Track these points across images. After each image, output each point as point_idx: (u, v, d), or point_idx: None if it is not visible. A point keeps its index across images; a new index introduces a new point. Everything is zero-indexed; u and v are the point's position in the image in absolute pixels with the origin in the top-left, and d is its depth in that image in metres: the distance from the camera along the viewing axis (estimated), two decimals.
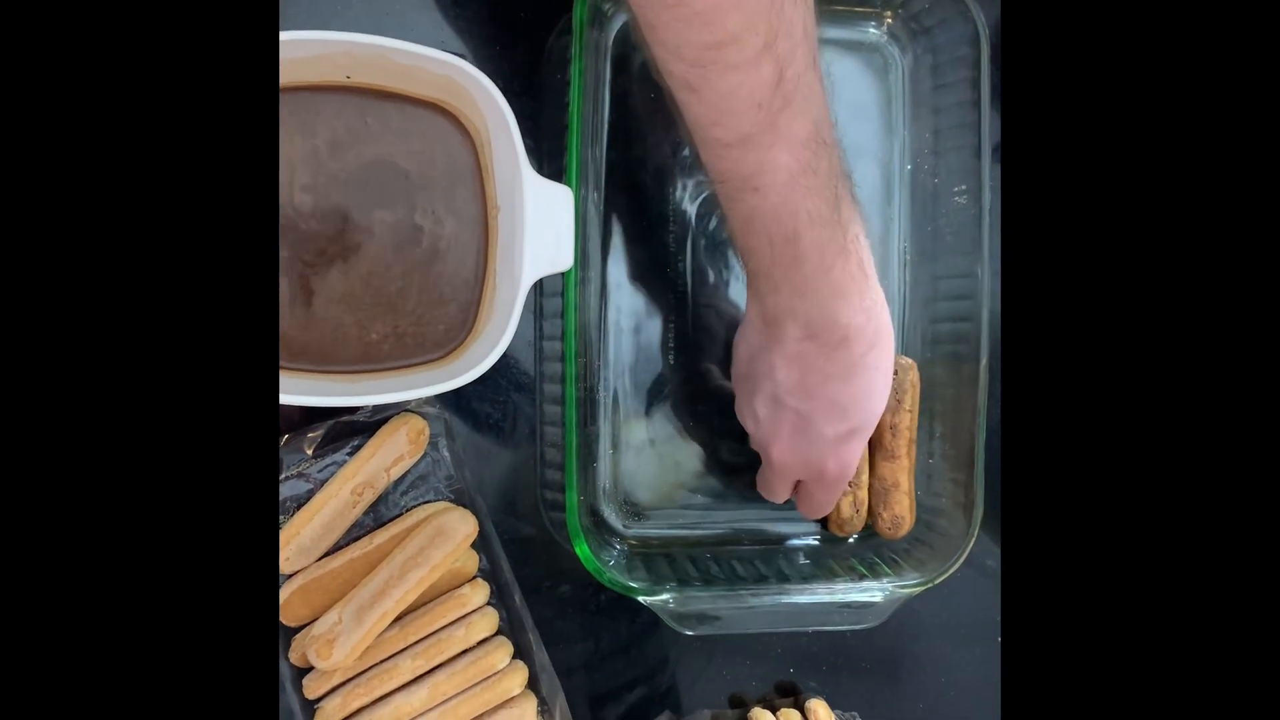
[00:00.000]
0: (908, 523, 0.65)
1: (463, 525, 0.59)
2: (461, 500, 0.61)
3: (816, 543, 0.67)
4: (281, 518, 0.58)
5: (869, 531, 0.67)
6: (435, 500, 0.61)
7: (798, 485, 0.63)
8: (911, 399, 0.64)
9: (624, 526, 0.65)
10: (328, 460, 0.59)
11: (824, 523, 0.67)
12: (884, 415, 0.64)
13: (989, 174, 0.63)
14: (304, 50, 0.53)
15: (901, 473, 0.65)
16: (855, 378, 0.56)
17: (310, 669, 0.59)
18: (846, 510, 0.65)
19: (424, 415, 0.60)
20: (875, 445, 0.65)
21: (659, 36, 0.46)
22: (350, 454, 0.59)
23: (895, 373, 0.65)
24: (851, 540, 0.67)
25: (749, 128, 0.48)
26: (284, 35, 0.51)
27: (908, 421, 0.65)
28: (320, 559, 0.59)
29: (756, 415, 0.59)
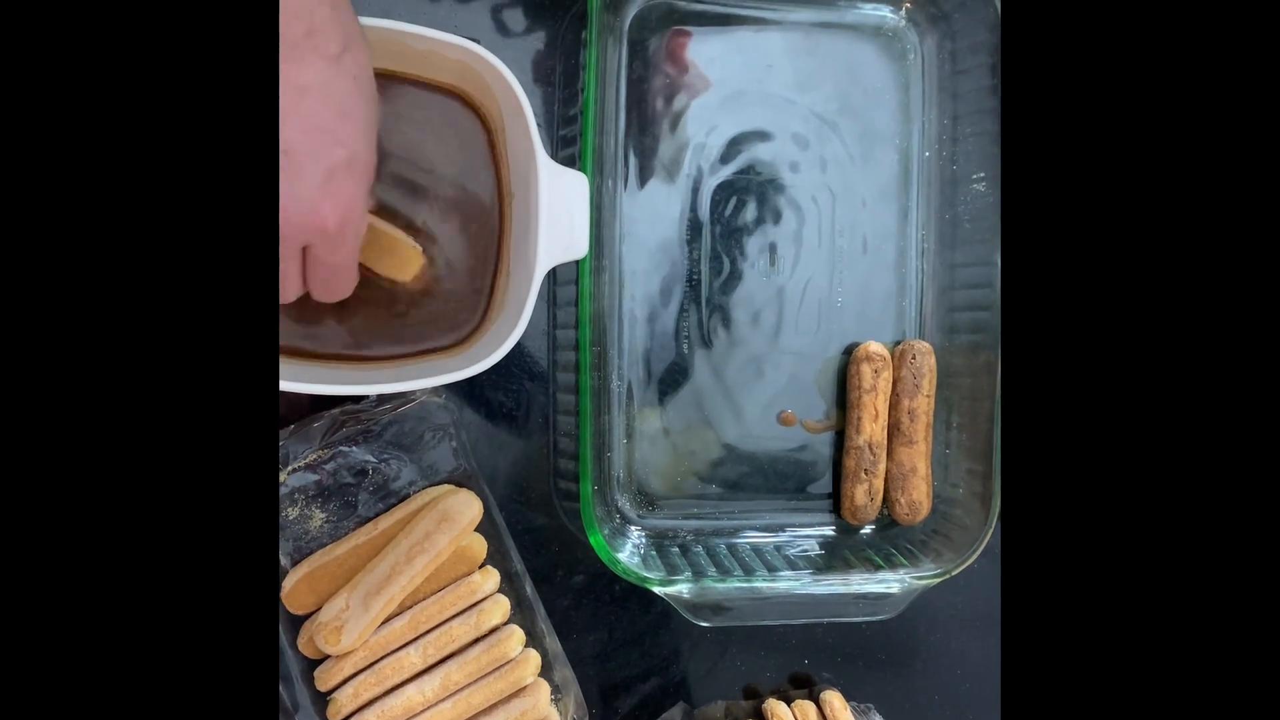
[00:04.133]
0: (925, 508, 0.65)
1: (468, 508, 0.58)
2: (467, 486, 0.61)
3: (832, 533, 0.67)
4: (290, 510, 0.58)
5: (885, 522, 0.66)
6: (439, 483, 0.61)
7: (306, 270, 0.49)
8: (929, 384, 0.64)
9: (638, 516, 0.64)
10: (335, 451, 0.58)
11: (839, 512, 0.66)
12: (901, 400, 0.64)
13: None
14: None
15: (919, 458, 0.64)
16: (336, 92, 0.44)
17: (320, 661, 0.58)
18: (862, 498, 0.64)
19: (432, 404, 0.60)
20: (893, 430, 0.65)
21: None
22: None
23: (914, 357, 0.64)
24: (867, 531, 0.67)
25: None
26: None
27: (925, 406, 0.64)
28: (326, 546, 0.59)
29: None
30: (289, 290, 0.49)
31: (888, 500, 0.65)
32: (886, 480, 0.65)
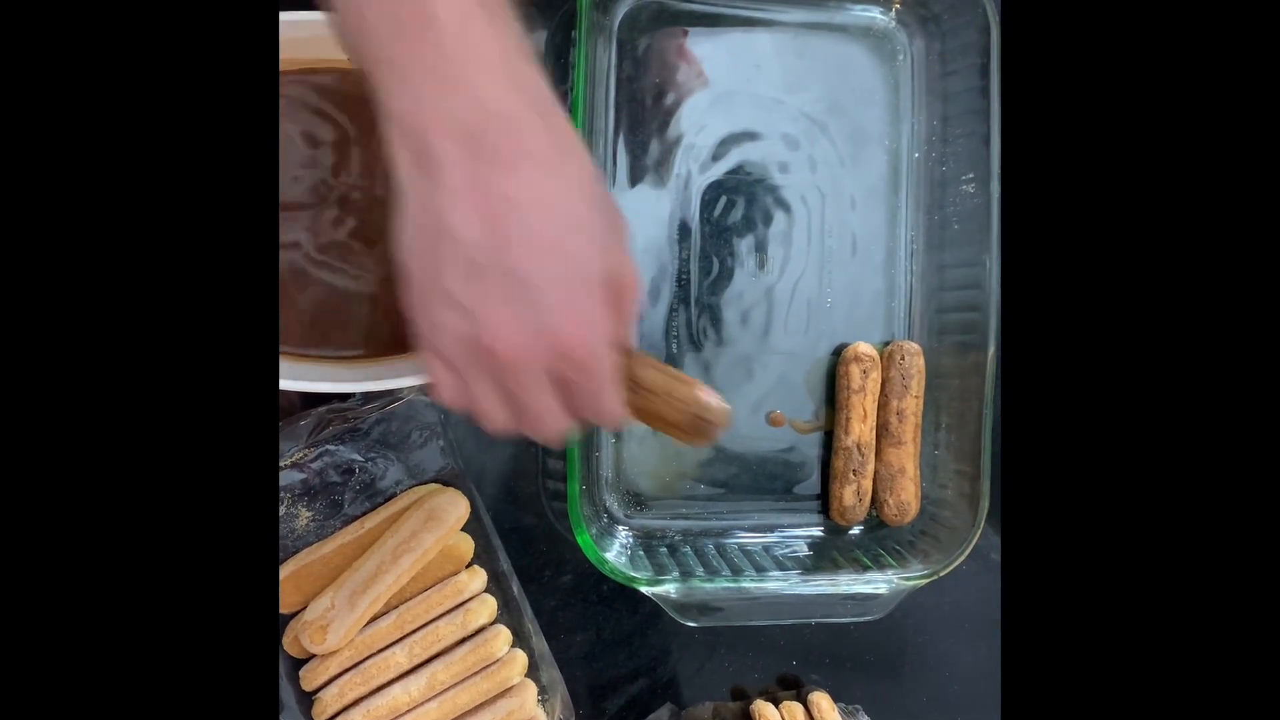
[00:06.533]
0: (913, 509, 0.65)
1: (455, 507, 0.58)
2: (454, 486, 0.60)
3: (820, 534, 0.67)
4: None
5: (874, 523, 0.66)
6: (426, 482, 0.60)
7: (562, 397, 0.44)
8: (918, 384, 0.64)
9: (626, 516, 0.64)
10: (321, 449, 0.58)
11: (827, 513, 0.66)
12: (890, 401, 0.64)
13: (997, 162, 0.62)
14: (304, 31, 0.52)
15: (907, 459, 0.64)
16: (544, 188, 0.41)
17: (306, 660, 0.58)
18: (850, 499, 0.64)
19: (419, 403, 0.59)
20: (882, 431, 0.65)
21: None
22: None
23: (902, 358, 0.64)
24: (856, 532, 0.67)
25: None
26: (284, 16, 0.51)
27: (913, 407, 0.64)
28: (312, 544, 0.58)
29: (452, 303, 0.41)
30: (553, 423, 0.44)
31: (876, 501, 0.65)
32: (875, 481, 0.65)
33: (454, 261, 0.40)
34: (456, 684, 0.58)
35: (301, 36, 0.52)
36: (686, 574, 0.60)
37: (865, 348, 0.65)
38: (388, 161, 0.41)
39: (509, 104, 0.40)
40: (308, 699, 0.58)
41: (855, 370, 0.64)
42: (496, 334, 0.41)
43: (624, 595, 0.65)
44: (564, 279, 0.41)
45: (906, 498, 0.65)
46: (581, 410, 0.44)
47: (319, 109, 0.55)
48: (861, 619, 0.62)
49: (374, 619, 0.58)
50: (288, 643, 0.58)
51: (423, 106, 0.39)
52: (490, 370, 0.42)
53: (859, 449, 0.64)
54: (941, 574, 0.62)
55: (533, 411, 0.43)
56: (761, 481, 0.66)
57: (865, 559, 0.64)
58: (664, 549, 0.63)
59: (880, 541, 0.66)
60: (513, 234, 0.40)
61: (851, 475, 0.64)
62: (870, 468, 0.65)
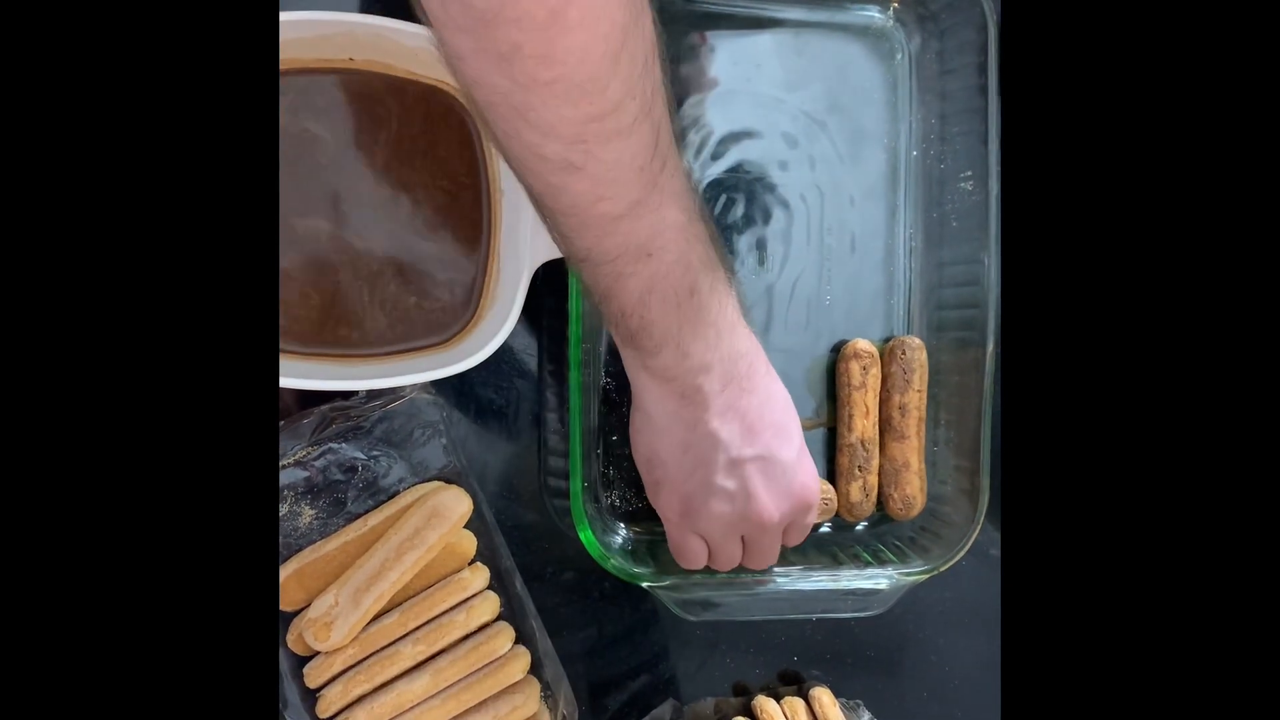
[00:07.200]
0: (919, 503, 0.65)
1: (458, 504, 0.58)
2: (457, 483, 0.61)
3: (825, 529, 0.67)
4: (279, 507, 0.58)
5: (876, 518, 0.67)
6: (429, 480, 0.61)
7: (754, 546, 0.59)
8: (920, 379, 0.64)
9: (628, 513, 0.64)
10: (324, 448, 0.58)
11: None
12: (892, 395, 0.64)
13: (996, 160, 0.62)
14: (305, 31, 0.52)
15: (911, 453, 0.65)
16: (771, 392, 0.55)
17: (309, 658, 0.58)
18: (856, 495, 0.65)
19: (422, 401, 0.60)
20: (885, 426, 0.65)
21: (532, 119, 0.41)
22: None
23: (904, 352, 0.65)
24: (859, 527, 0.67)
25: (637, 193, 0.45)
26: (284, 16, 0.51)
27: (916, 401, 0.64)
28: (315, 543, 0.59)
29: (726, 494, 0.55)
30: (774, 558, 0.60)
31: (881, 496, 0.66)
32: (880, 476, 0.65)
33: (722, 463, 0.54)
34: (460, 681, 0.58)
35: (303, 36, 0.52)
36: (687, 570, 0.60)
37: (864, 344, 0.65)
38: (639, 401, 0.55)
39: (745, 345, 0.54)
40: (311, 696, 0.58)
41: (855, 367, 0.64)
42: (763, 506, 0.55)
43: (626, 592, 0.65)
44: (796, 448, 0.56)
45: (912, 492, 0.65)
46: (790, 543, 0.60)
47: (320, 108, 0.55)
48: (862, 614, 0.63)
49: (377, 616, 0.58)
50: (291, 640, 0.58)
51: (692, 359, 0.51)
52: (751, 533, 0.57)
53: (863, 445, 0.65)
54: (942, 569, 0.62)
55: (769, 555, 0.59)
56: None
57: (866, 555, 0.65)
58: (665, 545, 0.63)
59: (881, 537, 0.66)
60: (759, 425, 0.54)
61: (857, 472, 0.65)
62: (875, 463, 0.65)
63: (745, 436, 0.54)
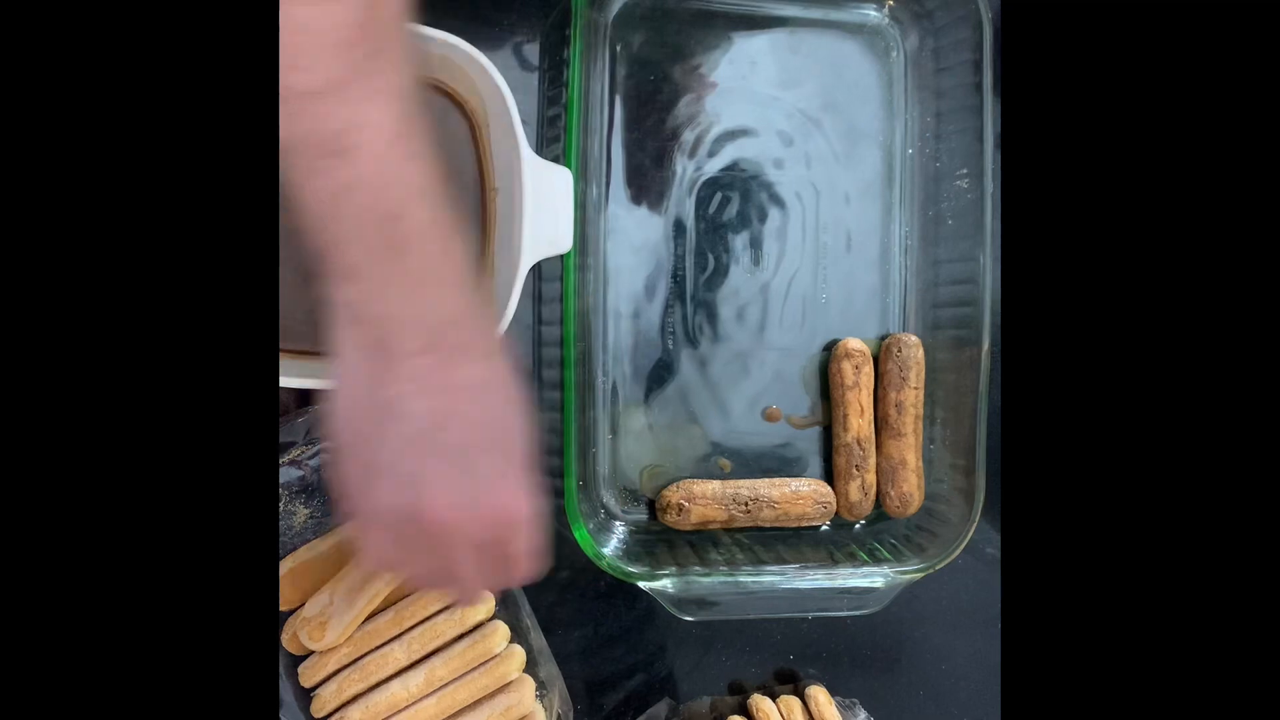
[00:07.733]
0: (916, 500, 0.65)
1: None
2: None
3: (818, 528, 0.67)
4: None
5: (872, 516, 0.67)
6: None
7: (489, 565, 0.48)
8: (917, 376, 0.64)
9: (623, 512, 0.64)
10: (318, 447, 0.58)
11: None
12: (888, 393, 0.64)
13: (991, 158, 0.62)
14: None
15: (908, 450, 0.65)
16: (490, 384, 0.45)
17: (304, 657, 0.58)
18: (856, 494, 0.65)
19: None
20: (881, 424, 0.65)
21: None
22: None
23: (900, 350, 0.64)
24: (856, 526, 0.67)
25: (336, 72, 0.39)
26: None
27: (913, 399, 0.64)
28: (310, 541, 0.59)
29: (394, 480, 0.44)
30: (474, 587, 0.51)
31: (879, 494, 0.66)
32: (878, 475, 0.65)
33: (398, 438, 0.43)
34: (455, 680, 0.58)
35: None
36: (683, 569, 0.61)
37: (855, 343, 0.65)
38: (331, 345, 0.44)
39: (462, 314, 0.44)
40: (306, 695, 0.58)
41: (847, 366, 0.64)
42: (435, 503, 0.44)
43: (621, 591, 0.65)
44: (506, 461, 0.45)
45: (909, 489, 0.65)
46: (498, 575, 0.48)
47: None
48: (858, 613, 0.63)
49: (372, 615, 0.58)
50: (286, 639, 0.58)
51: (385, 304, 0.42)
52: (424, 537, 0.45)
53: (859, 444, 0.64)
54: (938, 567, 0.62)
55: (458, 577, 0.47)
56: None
57: (862, 553, 0.65)
58: (661, 544, 0.64)
59: (877, 535, 0.66)
60: (455, 415, 0.44)
61: (854, 471, 0.65)
62: (872, 462, 0.65)
63: (436, 419, 0.43)
